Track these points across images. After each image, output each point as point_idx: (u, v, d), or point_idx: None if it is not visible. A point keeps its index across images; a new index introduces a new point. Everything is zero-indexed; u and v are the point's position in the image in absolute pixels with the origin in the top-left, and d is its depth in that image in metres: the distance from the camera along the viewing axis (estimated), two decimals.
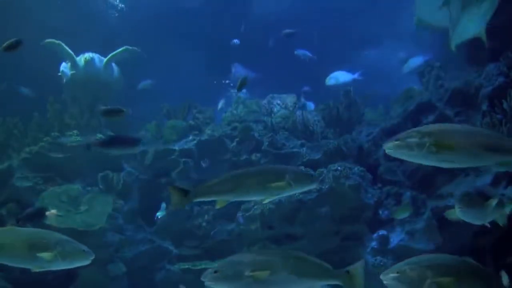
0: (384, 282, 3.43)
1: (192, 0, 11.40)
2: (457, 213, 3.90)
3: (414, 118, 8.02)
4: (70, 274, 6.79)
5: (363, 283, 3.58)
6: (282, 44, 10.60)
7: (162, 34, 10.76)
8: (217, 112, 9.63)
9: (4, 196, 7.14)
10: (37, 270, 3.84)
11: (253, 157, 7.88)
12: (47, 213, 6.44)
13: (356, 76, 9.95)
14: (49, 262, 3.78)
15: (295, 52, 10.21)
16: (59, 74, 8.69)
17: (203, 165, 7.77)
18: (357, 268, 3.60)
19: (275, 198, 4.06)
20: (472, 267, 3.48)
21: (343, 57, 11.63)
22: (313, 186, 4.12)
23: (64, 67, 8.66)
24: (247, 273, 3.40)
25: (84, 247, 3.94)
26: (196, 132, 8.37)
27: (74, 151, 7.52)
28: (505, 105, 6.42)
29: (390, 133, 8.05)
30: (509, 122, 6.30)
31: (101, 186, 7.37)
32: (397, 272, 3.37)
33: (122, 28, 9.40)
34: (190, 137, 8.28)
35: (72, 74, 8.65)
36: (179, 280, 7.01)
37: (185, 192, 3.97)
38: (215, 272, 3.46)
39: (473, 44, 7.80)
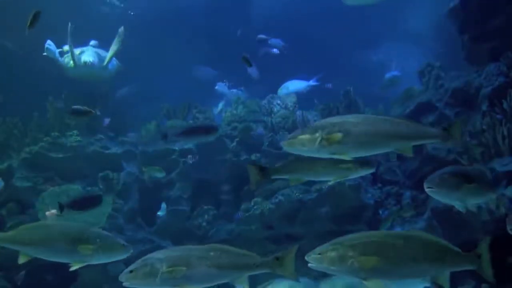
0: (309, 264, 3.31)
1: (195, 1, 11.41)
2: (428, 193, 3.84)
3: (414, 118, 8.02)
4: (70, 274, 6.80)
5: (294, 269, 3.49)
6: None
7: (162, 34, 10.74)
8: (216, 114, 9.61)
9: (4, 196, 7.14)
10: (77, 266, 3.81)
11: (253, 157, 7.88)
12: (47, 213, 6.45)
13: (311, 82, 9.88)
14: (89, 256, 3.76)
15: (269, 41, 10.10)
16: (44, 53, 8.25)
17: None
18: (287, 254, 3.50)
19: (341, 179, 4.06)
20: (400, 242, 3.23)
21: (343, 57, 11.63)
22: (372, 171, 4.11)
23: (49, 44, 8.24)
24: (163, 270, 3.34)
25: (123, 241, 3.93)
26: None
27: (74, 151, 7.52)
28: (505, 105, 6.42)
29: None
30: (509, 122, 6.30)
31: (101, 186, 7.36)
32: (319, 253, 3.27)
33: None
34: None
35: (68, 70, 8.48)
36: None
37: (263, 170, 3.99)
38: (131, 271, 3.40)
39: (473, 44, 7.82)
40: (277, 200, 7.18)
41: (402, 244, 3.14)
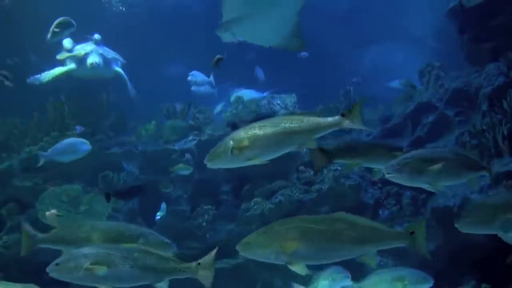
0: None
1: (193, 1, 11.40)
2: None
3: (414, 118, 8.03)
4: None
5: (213, 275, 3.53)
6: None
7: (162, 34, 10.76)
8: (215, 115, 9.60)
9: (4, 196, 7.14)
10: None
11: None
12: (47, 213, 6.44)
13: (265, 94, 9.87)
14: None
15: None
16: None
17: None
18: (208, 260, 3.55)
19: None
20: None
21: (343, 57, 11.64)
22: None
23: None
24: (85, 266, 3.40)
25: (166, 239, 3.97)
26: (196, 132, 8.36)
27: None
28: (505, 105, 6.42)
29: (390, 133, 8.06)
30: (509, 122, 6.30)
31: (101, 186, 7.36)
32: (248, 241, 3.35)
33: (122, 28, 9.38)
34: (190, 137, 8.27)
35: (73, 70, 8.43)
36: (179, 280, 7.01)
37: (325, 153, 4.09)
38: (57, 264, 3.47)
39: (473, 44, 7.82)
40: (277, 200, 7.18)
41: (326, 227, 3.25)
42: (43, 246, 3.94)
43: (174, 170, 7.36)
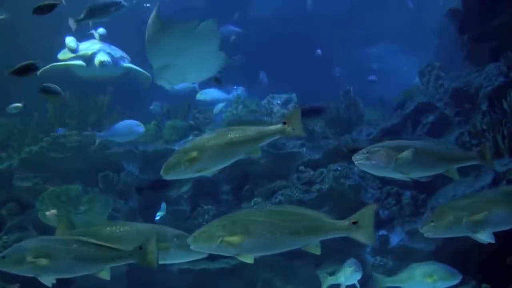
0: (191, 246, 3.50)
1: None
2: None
3: (414, 118, 8.03)
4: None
5: (157, 259, 3.59)
6: (280, 44, 10.61)
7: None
8: (215, 115, 9.57)
9: (4, 196, 7.14)
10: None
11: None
12: (47, 213, 6.45)
13: (229, 96, 9.88)
14: (167, 254, 3.86)
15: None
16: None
17: None
18: (148, 243, 3.58)
19: None
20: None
21: (343, 57, 11.65)
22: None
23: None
24: (28, 259, 3.49)
25: None
26: (196, 132, 8.36)
27: (74, 151, 7.51)
28: (505, 105, 6.42)
29: (390, 133, 8.05)
30: (509, 122, 6.30)
31: (101, 186, 7.36)
32: (195, 235, 3.44)
33: (122, 27, 9.35)
34: (190, 137, 8.27)
35: (79, 69, 8.25)
36: (179, 280, 7.02)
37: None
38: (3, 257, 3.55)
39: (473, 44, 7.82)
40: (277, 200, 7.18)
41: (269, 219, 3.38)
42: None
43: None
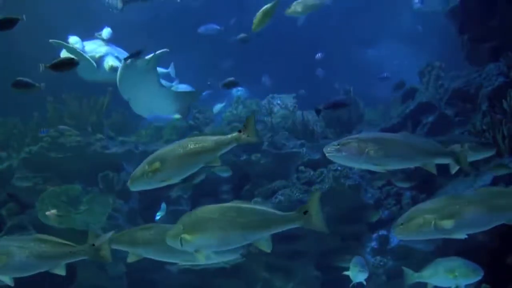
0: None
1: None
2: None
3: (414, 118, 8.03)
4: (69, 274, 6.79)
5: (110, 255, 3.79)
6: (280, 44, 10.60)
7: (161, 33, 10.74)
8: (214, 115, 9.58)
9: (4, 196, 7.13)
10: (186, 263, 4.11)
11: (253, 157, 7.88)
12: (47, 213, 6.45)
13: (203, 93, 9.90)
14: (196, 255, 3.84)
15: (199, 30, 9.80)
16: None
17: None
18: (103, 240, 3.79)
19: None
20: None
21: (344, 57, 11.63)
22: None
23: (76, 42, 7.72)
24: None
25: None
26: (196, 132, 8.36)
27: (74, 151, 7.51)
28: (505, 105, 6.42)
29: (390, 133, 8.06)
30: (509, 122, 6.30)
31: (101, 186, 7.36)
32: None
33: (121, 26, 9.35)
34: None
35: (85, 71, 8.03)
36: (179, 280, 7.02)
37: None
38: None
39: (473, 44, 7.82)
40: (277, 200, 7.18)
41: (220, 217, 3.55)
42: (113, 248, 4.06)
43: (213, 171, 7.34)
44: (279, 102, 9.02)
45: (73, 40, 7.79)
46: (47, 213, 6.43)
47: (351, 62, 11.68)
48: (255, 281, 7.03)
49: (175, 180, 3.91)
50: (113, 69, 7.60)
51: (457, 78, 7.78)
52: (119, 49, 8.36)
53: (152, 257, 4.22)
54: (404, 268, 5.00)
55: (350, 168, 7.23)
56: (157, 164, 3.69)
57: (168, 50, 7.30)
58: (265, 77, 10.49)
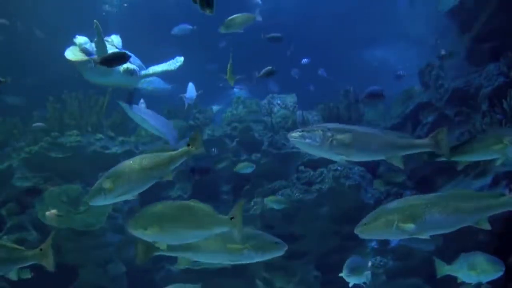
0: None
1: None
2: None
3: (414, 118, 8.03)
4: (70, 274, 6.80)
5: (53, 260, 3.90)
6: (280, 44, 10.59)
7: (161, 33, 10.73)
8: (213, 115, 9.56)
9: (4, 196, 7.13)
10: (231, 262, 4.07)
11: (253, 157, 7.88)
12: (47, 213, 6.44)
13: (168, 86, 9.86)
14: (241, 255, 3.93)
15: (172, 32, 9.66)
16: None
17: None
18: (47, 244, 3.89)
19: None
20: None
21: (344, 57, 11.63)
22: None
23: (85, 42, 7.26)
24: None
25: (277, 239, 4.04)
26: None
27: (74, 151, 7.51)
28: (505, 105, 6.41)
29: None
30: (509, 122, 6.30)
31: None
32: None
33: (119, 26, 9.33)
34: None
35: (93, 74, 7.38)
36: (179, 280, 7.01)
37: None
38: None
39: (473, 44, 7.82)
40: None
41: (174, 214, 3.76)
42: (159, 254, 4.05)
43: (236, 169, 7.36)
44: (279, 102, 9.02)
45: (82, 40, 7.35)
46: (47, 213, 6.42)
47: (351, 63, 11.68)
48: (255, 281, 7.04)
49: (131, 195, 4.02)
50: (129, 72, 7.18)
51: (457, 78, 7.78)
52: (128, 52, 7.96)
53: (202, 260, 4.24)
54: (436, 259, 5.00)
55: (350, 168, 7.23)
56: (110, 184, 3.83)
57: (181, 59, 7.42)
58: (272, 84, 10.46)
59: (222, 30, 5.88)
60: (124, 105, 6.65)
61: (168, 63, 8.04)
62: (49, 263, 3.85)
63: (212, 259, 4.24)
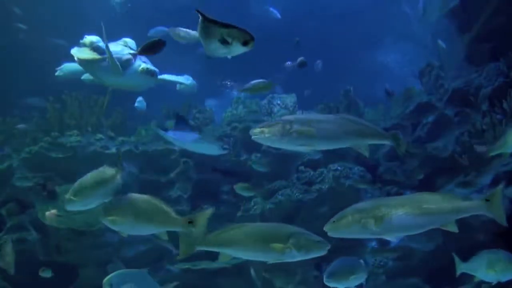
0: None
1: None
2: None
3: (414, 118, 8.03)
4: (70, 274, 6.80)
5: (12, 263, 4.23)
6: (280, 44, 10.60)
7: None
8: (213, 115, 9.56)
9: (4, 196, 7.13)
10: (273, 261, 4.03)
11: (253, 157, 7.88)
12: (47, 213, 6.44)
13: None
14: (283, 254, 3.90)
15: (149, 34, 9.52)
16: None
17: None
18: (8, 247, 4.29)
19: None
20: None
21: (344, 57, 11.64)
22: None
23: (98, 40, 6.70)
24: None
25: (319, 238, 4.04)
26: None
27: (74, 151, 7.51)
28: (505, 105, 6.42)
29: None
30: (509, 122, 6.30)
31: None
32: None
33: (119, 26, 9.33)
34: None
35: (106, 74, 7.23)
36: (179, 280, 7.01)
37: None
38: None
39: (473, 44, 7.82)
40: (277, 200, 7.19)
41: (141, 207, 4.06)
42: (200, 248, 4.07)
43: (252, 164, 7.51)
44: (279, 102, 9.02)
45: (94, 39, 6.79)
46: (47, 213, 6.42)
47: (351, 62, 11.69)
48: (255, 281, 7.03)
49: (92, 205, 4.39)
50: (149, 72, 6.66)
51: (457, 78, 7.78)
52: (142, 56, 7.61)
53: (243, 257, 4.26)
54: (455, 256, 5.00)
55: (350, 168, 7.23)
56: (73, 194, 4.20)
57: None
58: (278, 89, 10.44)
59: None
60: (163, 133, 6.63)
61: (181, 77, 8.05)
62: (7, 266, 4.06)
63: (254, 257, 4.22)
